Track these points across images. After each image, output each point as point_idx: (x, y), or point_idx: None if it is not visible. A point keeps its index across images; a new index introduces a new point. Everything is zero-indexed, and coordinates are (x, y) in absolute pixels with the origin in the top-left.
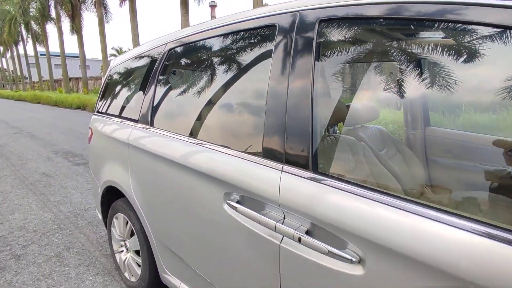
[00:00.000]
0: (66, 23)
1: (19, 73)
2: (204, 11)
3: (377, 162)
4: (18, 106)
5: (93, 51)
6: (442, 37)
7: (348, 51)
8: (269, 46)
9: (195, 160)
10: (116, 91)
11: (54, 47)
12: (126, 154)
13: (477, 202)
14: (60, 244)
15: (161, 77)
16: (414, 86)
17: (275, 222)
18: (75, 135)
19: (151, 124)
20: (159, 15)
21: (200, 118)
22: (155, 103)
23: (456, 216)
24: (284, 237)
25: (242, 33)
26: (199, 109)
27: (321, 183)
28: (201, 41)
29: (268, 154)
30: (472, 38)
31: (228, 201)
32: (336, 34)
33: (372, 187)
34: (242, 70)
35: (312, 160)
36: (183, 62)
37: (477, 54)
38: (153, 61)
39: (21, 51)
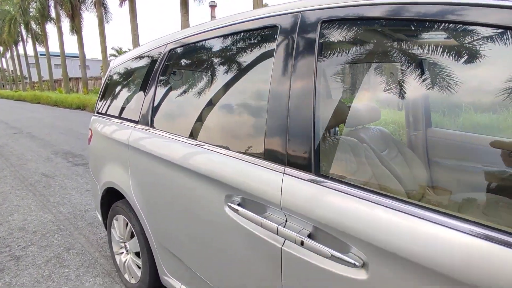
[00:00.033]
0: (66, 23)
1: (19, 73)
2: (204, 11)
3: (379, 164)
4: (17, 106)
5: (93, 51)
6: (445, 38)
7: (351, 52)
8: (271, 47)
9: (196, 161)
10: (116, 92)
11: (54, 47)
12: (126, 155)
13: (481, 204)
14: (59, 245)
15: (161, 78)
16: (416, 87)
17: (277, 225)
18: (75, 135)
19: (152, 125)
20: (159, 15)
21: (201, 120)
22: (155, 104)
23: (462, 220)
24: (286, 240)
25: (243, 33)
26: (200, 110)
27: (324, 186)
28: (202, 42)
29: (269, 156)
30: (473, 39)
31: (229, 204)
32: (338, 35)
33: (376, 190)
34: (243, 71)
35: (314, 162)
36: (184, 63)
37: (479, 55)
38: (154, 61)
39: (21, 51)
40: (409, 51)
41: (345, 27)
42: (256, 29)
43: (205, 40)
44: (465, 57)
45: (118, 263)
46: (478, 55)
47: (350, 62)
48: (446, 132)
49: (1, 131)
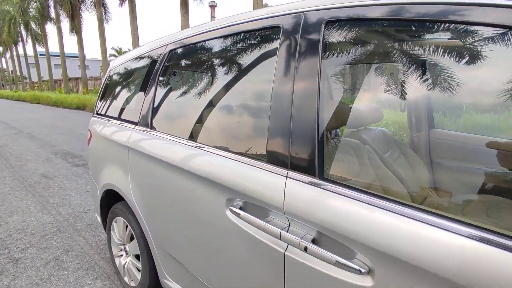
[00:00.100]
0: (65, 23)
1: (18, 73)
2: (204, 11)
3: (382, 166)
4: (17, 106)
5: (92, 51)
6: (449, 38)
7: (355, 53)
8: (273, 47)
9: (197, 164)
10: (116, 93)
11: (53, 47)
12: (125, 157)
13: (486, 207)
14: (59, 247)
15: (161, 79)
16: (420, 88)
17: (279, 230)
18: (75, 135)
19: (151, 127)
20: (159, 15)
21: (202, 121)
22: (155, 105)
23: (470, 226)
24: (289, 245)
25: (244, 34)
26: (201, 112)
27: (328, 190)
28: (203, 42)
29: (272, 159)
30: (478, 39)
31: (231, 207)
32: (342, 36)
33: (381, 195)
34: (245, 72)
35: (318, 165)
36: (184, 64)
37: (483, 55)
38: (154, 62)
39: (21, 51)
40: (414, 52)
41: (349, 27)
42: (258, 30)
43: (206, 40)
44: (470, 58)
45: (117, 265)
46: (482, 56)
47: (354, 63)
48: (449, 133)
49: (0, 131)
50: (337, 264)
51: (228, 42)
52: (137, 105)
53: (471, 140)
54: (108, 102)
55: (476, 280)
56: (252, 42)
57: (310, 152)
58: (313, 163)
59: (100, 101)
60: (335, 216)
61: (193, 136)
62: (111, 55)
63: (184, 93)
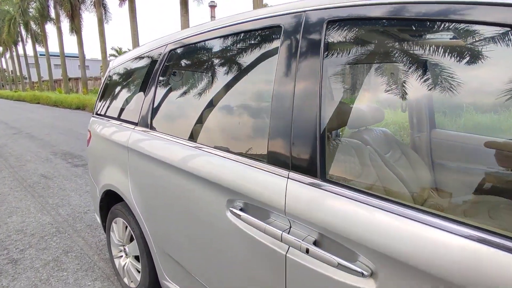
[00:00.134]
0: (65, 23)
1: (18, 74)
2: (204, 11)
3: (384, 167)
4: (17, 106)
5: (92, 51)
6: (453, 38)
7: (357, 53)
8: (274, 47)
9: (197, 165)
10: (115, 93)
11: (53, 47)
12: (125, 158)
13: (488, 208)
14: (58, 248)
15: (161, 79)
16: (421, 88)
17: (281, 232)
18: (75, 135)
19: (151, 127)
20: (159, 15)
21: (202, 122)
22: (155, 106)
23: (472, 228)
24: (291, 247)
25: (245, 34)
26: (201, 112)
27: (330, 191)
28: (203, 42)
29: (273, 159)
30: (480, 38)
31: (231, 209)
32: (345, 35)
33: (384, 196)
34: (246, 72)
35: (320, 166)
36: (184, 64)
37: (485, 55)
38: (153, 62)
39: (21, 51)
40: (416, 52)
41: (351, 27)
42: (259, 30)
43: (206, 40)
44: (472, 57)
45: (117, 266)
46: (484, 55)
47: (356, 63)
48: (450, 133)
49: (0, 131)
50: (339, 266)
51: (229, 42)
52: (137, 105)
53: (473, 140)
54: (108, 102)
55: (480, 283)
56: (253, 42)
57: (312, 152)
58: (314, 164)
59: (100, 101)
60: (336, 218)
61: (193, 137)
62: (111, 55)
63: (184, 93)
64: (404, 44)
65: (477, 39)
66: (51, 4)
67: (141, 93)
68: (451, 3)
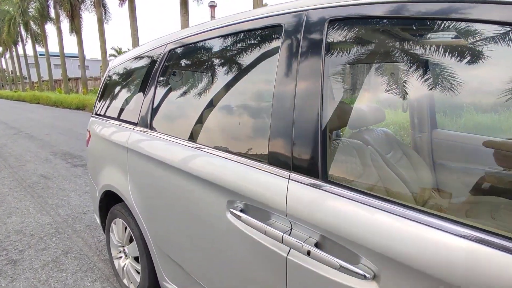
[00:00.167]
0: (65, 23)
1: (18, 74)
2: (204, 11)
3: (386, 168)
4: (17, 106)
5: (92, 51)
6: (458, 37)
7: (359, 52)
8: (275, 47)
9: (197, 165)
10: (115, 93)
11: (53, 47)
12: (124, 158)
13: (490, 208)
14: (57, 248)
15: (161, 79)
16: (423, 88)
17: (282, 233)
18: (74, 136)
19: (151, 127)
20: (159, 15)
21: (202, 122)
22: (155, 106)
23: (475, 229)
24: (292, 249)
25: (246, 33)
26: (201, 112)
27: (331, 192)
28: (203, 42)
29: (274, 160)
30: (484, 38)
31: (232, 210)
32: (347, 35)
33: (386, 197)
34: (246, 72)
35: (321, 167)
36: (184, 64)
37: (490, 54)
38: (153, 62)
39: (21, 52)
40: (420, 51)
41: (353, 26)
42: (259, 29)
43: (206, 40)
44: (477, 57)
45: (116, 267)
46: (488, 54)
47: (358, 62)
48: (452, 134)
49: (0, 131)
50: (341, 269)
51: (229, 41)
52: (136, 105)
53: (475, 140)
54: (107, 102)
55: (483, 285)
56: (253, 41)
57: (313, 153)
58: (316, 165)
59: (99, 101)
60: (338, 219)
61: (193, 137)
62: (111, 55)
63: (184, 93)
64: (406, 43)
65: (479, 38)
66: (51, 4)
67: (141, 93)
68: (455, 2)
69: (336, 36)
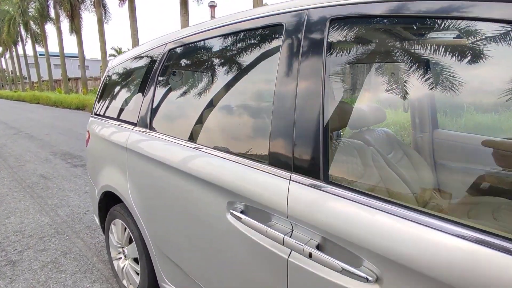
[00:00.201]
0: (65, 23)
1: (18, 74)
2: (204, 11)
3: (387, 168)
4: (17, 106)
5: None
6: (464, 37)
7: (361, 52)
8: (276, 46)
9: (197, 166)
10: (114, 93)
11: (53, 47)
12: (124, 159)
13: (492, 209)
14: (56, 249)
15: (160, 79)
16: (425, 87)
17: (283, 235)
18: (74, 136)
19: (150, 128)
20: (159, 15)
21: (202, 122)
22: (154, 106)
23: (479, 231)
24: (293, 251)
25: (246, 33)
26: (201, 113)
27: (333, 193)
28: (203, 42)
29: (275, 161)
30: (488, 37)
31: (232, 211)
32: (349, 34)
33: (389, 199)
34: (246, 72)
35: (323, 168)
36: (184, 63)
37: (492, 54)
38: (153, 62)
39: (20, 52)
40: (423, 51)
41: (355, 25)
42: (260, 28)
43: (206, 39)
44: (481, 57)
45: (116, 268)
46: (492, 55)
47: (359, 62)
48: (453, 133)
49: (0, 131)
50: (343, 271)
51: (229, 41)
52: (136, 105)
53: (476, 141)
54: (107, 102)
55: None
56: (254, 41)
57: (314, 154)
58: (317, 165)
59: (99, 101)
60: (340, 221)
61: (193, 137)
62: (110, 55)
63: (184, 93)
64: (409, 43)
65: (481, 37)
66: (51, 4)
67: (140, 93)
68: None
69: (337, 35)
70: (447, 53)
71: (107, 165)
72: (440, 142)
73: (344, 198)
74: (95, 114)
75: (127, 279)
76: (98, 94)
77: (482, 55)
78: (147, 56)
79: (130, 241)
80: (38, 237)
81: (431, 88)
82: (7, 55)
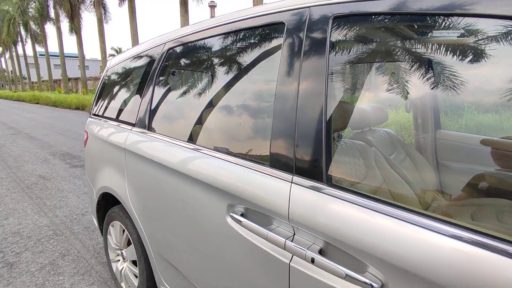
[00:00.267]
0: (65, 23)
1: (18, 74)
2: (204, 11)
3: (390, 169)
4: (16, 106)
5: (92, 51)
6: (472, 35)
7: (365, 51)
8: (277, 45)
9: (196, 167)
10: (113, 93)
11: (53, 47)
12: (122, 160)
13: (496, 211)
14: (55, 251)
15: (159, 79)
16: (428, 87)
17: (284, 240)
18: (73, 136)
19: (149, 128)
20: (159, 15)
21: (201, 123)
22: (153, 106)
23: (484, 236)
24: (294, 256)
25: (246, 32)
26: (201, 113)
27: (335, 196)
28: (202, 41)
29: (276, 162)
30: (498, 35)
31: (232, 214)
32: (352, 32)
33: (394, 202)
34: (247, 71)
35: (325, 170)
36: (183, 63)
37: (506, 54)
38: (152, 61)
39: (20, 52)
40: (428, 50)
41: (359, 23)
42: (260, 27)
43: (205, 38)
44: (492, 57)
45: (114, 271)
46: (504, 55)
47: (363, 62)
48: (456, 134)
49: None
50: (347, 277)
51: (229, 40)
52: (134, 105)
53: (479, 141)
54: (105, 102)
55: None
56: (254, 40)
57: (317, 155)
58: (320, 167)
59: (97, 101)
60: (343, 225)
61: (192, 138)
62: (110, 55)
63: (183, 93)
64: (415, 41)
65: (490, 35)
66: (51, 4)
67: (139, 93)
68: None
69: (341, 34)
70: (455, 51)
71: (105, 166)
72: (443, 143)
73: (347, 201)
74: (94, 114)
75: (125, 282)
76: (96, 94)
77: (490, 54)
78: (146, 56)
79: (129, 243)
80: (36, 238)
81: (435, 88)
82: (7, 55)
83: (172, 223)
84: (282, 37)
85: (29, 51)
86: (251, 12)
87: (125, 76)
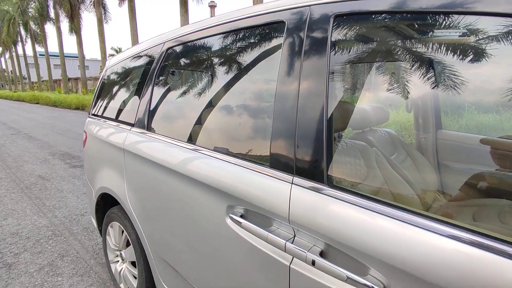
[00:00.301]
0: (65, 23)
1: (18, 74)
2: (204, 11)
3: (391, 170)
4: (16, 106)
5: (92, 51)
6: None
7: (367, 50)
8: (277, 45)
9: (195, 168)
10: (112, 93)
11: (53, 47)
12: (121, 160)
13: (497, 212)
14: (53, 252)
15: (158, 78)
16: (429, 87)
17: (284, 241)
18: (73, 136)
19: (148, 129)
20: (159, 15)
21: (201, 123)
22: (152, 106)
23: (486, 238)
24: (295, 258)
25: (246, 31)
26: (200, 113)
27: (336, 198)
28: (202, 40)
29: (276, 163)
30: (506, 33)
31: (231, 215)
32: (353, 31)
33: (396, 204)
34: (247, 71)
35: (326, 171)
36: (182, 63)
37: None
38: (151, 61)
39: (20, 52)
40: (431, 50)
41: (361, 22)
42: (260, 26)
43: (205, 38)
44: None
45: (113, 271)
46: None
47: (365, 61)
48: (457, 134)
49: None
50: (349, 280)
51: (229, 39)
52: (133, 105)
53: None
54: (104, 102)
55: None
56: (254, 39)
57: (318, 156)
58: (320, 168)
59: (96, 101)
60: (344, 226)
61: (191, 139)
62: (110, 55)
63: (183, 93)
64: (419, 40)
65: (495, 34)
66: (51, 4)
67: (138, 93)
68: None
69: (342, 32)
70: (456, 51)
71: (104, 167)
72: (444, 143)
73: (349, 202)
74: (93, 114)
75: (124, 283)
76: (95, 94)
77: (491, 54)
78: (145, 55)
79: (128, 244)
80: (35, 239)
81: (436, 87)
82: (7, 55)
83: (171, 224)
84: (282, 36)
85: (29, 51)
86: (251, 11)
87: (124, 76)
